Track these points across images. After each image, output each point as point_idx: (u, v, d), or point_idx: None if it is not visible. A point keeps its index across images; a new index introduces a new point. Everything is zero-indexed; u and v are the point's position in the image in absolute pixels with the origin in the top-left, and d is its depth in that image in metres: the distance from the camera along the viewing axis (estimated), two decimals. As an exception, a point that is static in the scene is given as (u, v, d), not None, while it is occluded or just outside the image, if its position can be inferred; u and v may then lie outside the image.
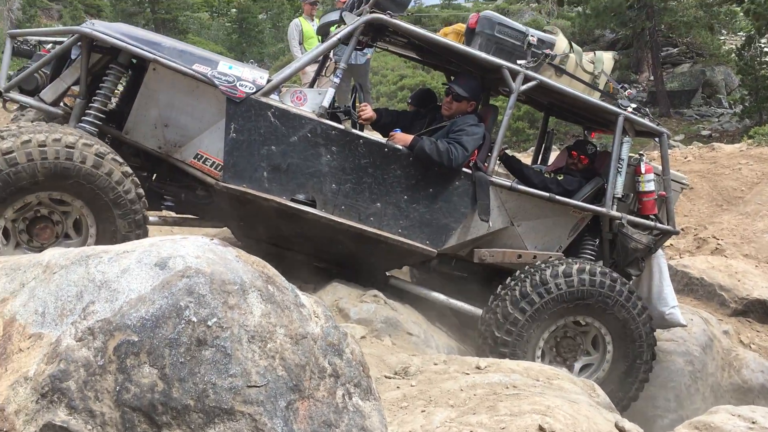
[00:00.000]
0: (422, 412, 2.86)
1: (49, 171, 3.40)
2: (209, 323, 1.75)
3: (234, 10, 35.91)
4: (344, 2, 8.86)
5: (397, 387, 3.30)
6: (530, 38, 4.56)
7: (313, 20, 9.31)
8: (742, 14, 19.76)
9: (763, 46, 18.18)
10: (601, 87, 4.84)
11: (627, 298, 4.39)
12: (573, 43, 4.84)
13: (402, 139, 4.30)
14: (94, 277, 1.82)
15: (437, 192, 4.35)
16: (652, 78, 20.88)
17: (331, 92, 4.19)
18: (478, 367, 3.52)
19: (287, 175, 4.06)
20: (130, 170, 3.67)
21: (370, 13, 4.21)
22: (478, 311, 4.54)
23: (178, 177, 4.30)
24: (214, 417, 1.68)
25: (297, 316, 1.93)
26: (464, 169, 4.38)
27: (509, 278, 4.44)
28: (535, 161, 6.11)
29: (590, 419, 2.84)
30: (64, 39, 4.05)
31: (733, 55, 19.52)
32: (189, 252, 1.87)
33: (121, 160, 3.63)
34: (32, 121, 3.84)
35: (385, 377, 3.46)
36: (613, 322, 4.45)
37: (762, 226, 7.98)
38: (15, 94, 3.93)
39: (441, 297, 4.67)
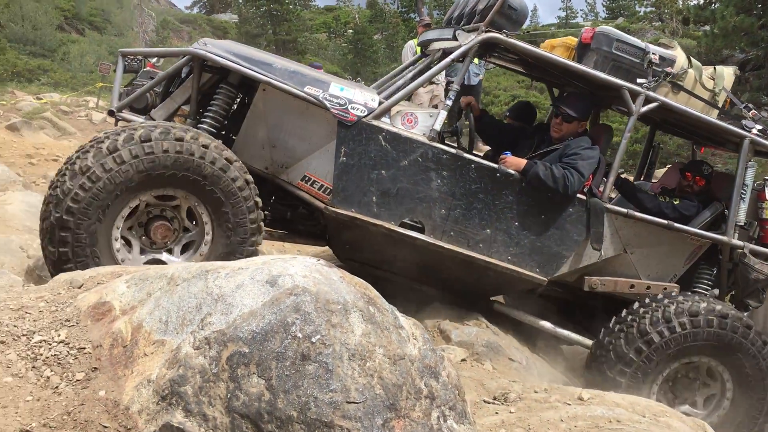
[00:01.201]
0: (520, 440, 2.84)
1: (138, 173, 3.37)
2: (313, 339, 1.86)
3: (351, 31, 36.96)
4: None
5: (496, 413, 3.27)
6: (651, 56, 4.27)
7: (426, 42, 9.43)
8: None
9: None
10: (720, 104, 4.58)
11: (760, 348, 4.12)
12: (692, 58, 4.60)
13: (514, 163, 4.14)
14: (212, 291, 1.98)
15: (549, 219, 4.18)
16: (786, 102, 19.57)
17: (443, 115, 4.08)
18: (580, 398, 3.43)
19: (396, 199, 3.99)
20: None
21: (486, 32, 4.07)
22: (587, 342, 4.36)
23: (282, 196, 4.30)
24: (315, 429, 1.77)
25: (396, 337, 2.00)
26: (578, 195, 4.19)
27: (624, 312, 4.19)
28: (638, 177, 5.81)
29: (698, 461, 2.72)
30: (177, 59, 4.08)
31: None
32: (297, 271, 1.99)
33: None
34: None
35: (484, 402, 3.44)
36: (737, 367, 4.18)
37: None
38: (127, 113, 3.98)
39: (548, 325, 4.46)
